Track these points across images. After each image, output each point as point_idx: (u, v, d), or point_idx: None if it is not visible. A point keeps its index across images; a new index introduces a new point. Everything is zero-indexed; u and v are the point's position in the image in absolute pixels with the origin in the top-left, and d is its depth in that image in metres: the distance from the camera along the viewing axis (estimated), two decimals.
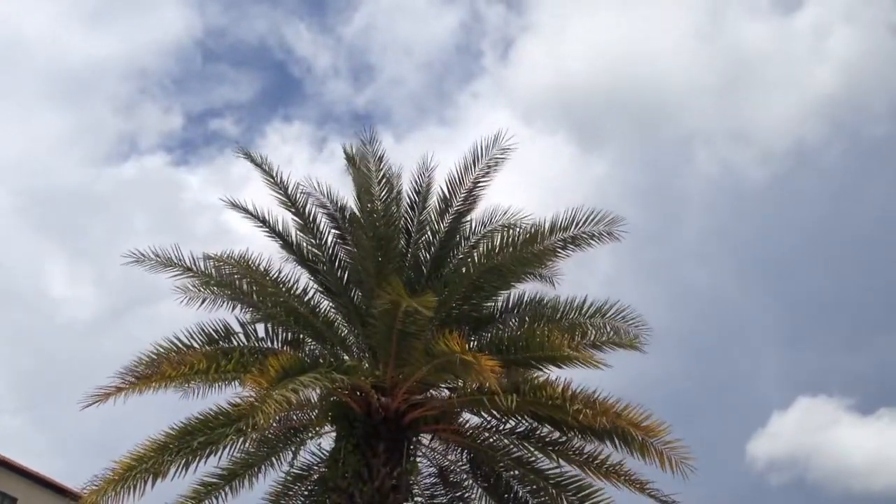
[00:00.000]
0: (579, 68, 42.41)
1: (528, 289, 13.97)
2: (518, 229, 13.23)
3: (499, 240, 13.11)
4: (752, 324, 42.90)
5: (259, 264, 13.66)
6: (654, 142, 42.92)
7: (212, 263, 13.60)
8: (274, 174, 14.00)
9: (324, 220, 14.10)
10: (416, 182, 14.37)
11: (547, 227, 12.85)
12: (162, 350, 12.59)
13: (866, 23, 41.33)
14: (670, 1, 43.77)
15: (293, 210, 14.05)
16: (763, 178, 41.89)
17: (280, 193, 14.02)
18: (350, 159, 13.93)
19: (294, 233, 14.17)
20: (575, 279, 14.24)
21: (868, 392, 41.91)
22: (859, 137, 41.36)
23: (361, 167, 13.67)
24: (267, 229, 14.23)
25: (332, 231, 14.10)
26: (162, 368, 11.96)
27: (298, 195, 14.00)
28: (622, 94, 40.57)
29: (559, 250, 13.20)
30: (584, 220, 12.94)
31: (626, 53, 41.61)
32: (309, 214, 14.03)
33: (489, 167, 13.98)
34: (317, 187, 14.08)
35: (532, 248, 12.77)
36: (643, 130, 42.73)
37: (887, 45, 40.55)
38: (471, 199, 14.05)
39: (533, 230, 12.84)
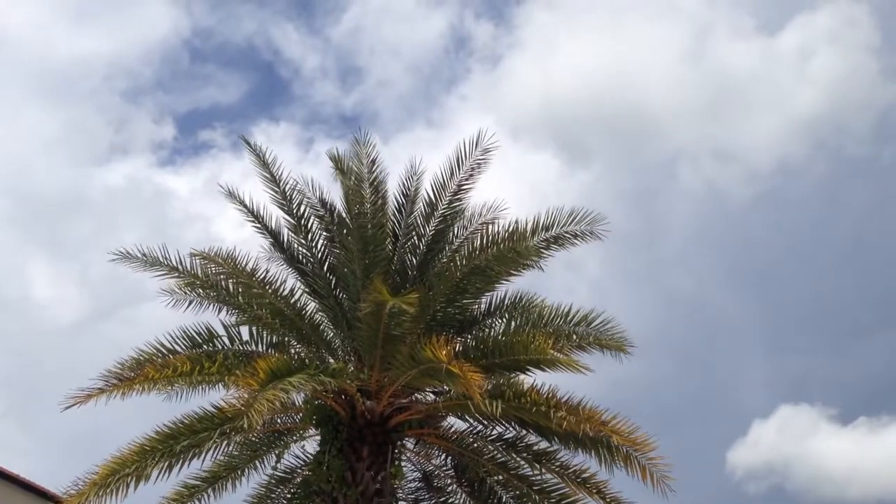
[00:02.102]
0: (566, 87, 42.67)
1: (513, 289, 14.01)
2: (500, 227, 13.21)
3: (480, 241, 13.10)
4: (738, 331, 43.20)
5: (246, 264, 13.65)
6: (640, 159, 43.36)
7: (198, 261, 13.55)
8: (272, 169, 13.93)
9: (314, 221, 14.04)
10: (403, 185, 14.35)
11: (530, 226, 12.88)
12: (145, 353, 12.50)
13: (849, 45, 42.06)
14: (657, 22, 44.17)
15: (286, 209, 13.99)
16: (748, 194, 42.49)
17: (275, 191, 13.96)
18: (338, 164, 13.81)
19: (285, 233, 14.12)
20: (563, 284, 14.28)
21: (850, 400, 42.22)
22: (841, 157, 42.07)
23: (351, 170, 13.61)
24: (260, 225, 14.19)
25: (322, 233, 14.06)
26: (145, 371, 11.89)
27: (294, 194, 13.94)
28: (609, 113, 40.99)
29: (542, 250, 13.22)
30: (566, 219, 12.99)
31: (614, 73, 42.00)
32: (301, 215, 13.96)
33: (472, 169, 13.97)
34: (309, 187, 14.04)
35: (515, 248, 12.77)
36: (629, 149, 43.16)
37: (869, 67, 41.31)
38: (455, 202, 14.00)
39: (515, 229, 12.85)
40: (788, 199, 43.55)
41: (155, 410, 12.48)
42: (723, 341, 43.09)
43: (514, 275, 13.48)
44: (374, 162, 13.96)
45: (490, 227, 13.32)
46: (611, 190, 42.87)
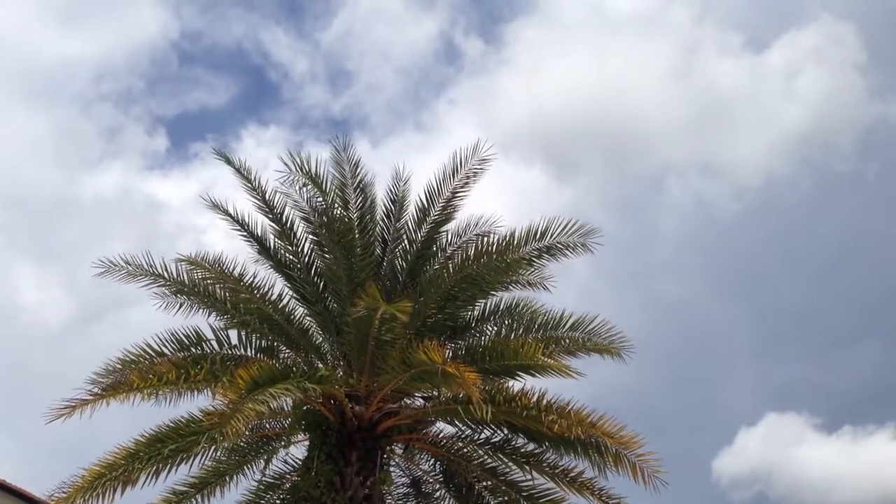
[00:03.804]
0: (555, 103, 42.92)
1: (506, 296, 13.96)
2: (492, 238, 13.21)
3: (473, 249, 13.08)
4: (726, 339, 43.47)
5: (233, 269, 13.55)
6: (628, 174, 43.75)
7: (184, 267, 13.46)
8: (251, 178, 13.79)
9: (301, 226, 13.92)
10: (391, 191, 14.32)
11: (522, 235, 12.88)
12: (131, 357, 12.42)
13: (835, 63, 42.63)
14: (645, 39, 44.59)
15: (270, 216, 13.86)
16: (735, 208, 43.02)
17: (257, 198, 13.85)
18: (302, 169, 13.26)
19: (272, 240, 14.02)
20: (552, 289, 14.28)
21: (836, 409, 42.53)
22: (827, 173, 42.67)
23: (317, 174, 13.46)
24: (245, 233, 14.07)
25: (310, 238, 13.98)
26: (130, 379, 11.81)
27: (277, 200, 13.79)
28: (597, 129, 41.35)
29: (534, 259, 13.23)
30: (559, 229, 13.01)
31: (602, 89, 42.33)
32: (286, 220, 13.83)
33: (468, 178, 13.95)
34: (295, 192, 13.94)
35: (506, 258, 12.77)
36: (617, 164, 43.55)
37: (855, 85, 41.86)
38: (449, 209, 13.98)
39: (507, 239, 12.84)
40: (775, 213, 44.02)
41: (143, 413, 12.38)
42: (710, 349, 43.34)
43: (507, 284, 13.48)
44: (356, 165, 13.90)
45: (483, 235, 13.28)
46: (599, 203, 43.17)
